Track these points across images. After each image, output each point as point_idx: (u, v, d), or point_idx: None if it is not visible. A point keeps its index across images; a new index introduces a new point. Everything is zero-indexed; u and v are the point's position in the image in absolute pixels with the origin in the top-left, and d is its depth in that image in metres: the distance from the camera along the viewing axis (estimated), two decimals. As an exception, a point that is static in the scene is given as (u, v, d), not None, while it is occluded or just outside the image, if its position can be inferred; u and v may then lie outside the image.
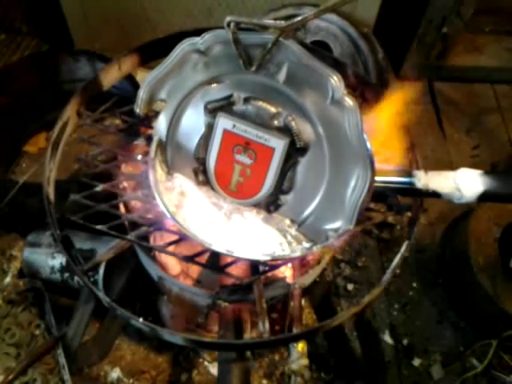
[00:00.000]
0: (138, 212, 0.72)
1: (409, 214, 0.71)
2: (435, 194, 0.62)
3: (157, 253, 0.83)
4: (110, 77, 0.82)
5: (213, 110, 0.63)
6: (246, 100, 0.61)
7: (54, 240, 0.67)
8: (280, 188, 0.64)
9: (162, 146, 0.68)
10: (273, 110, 0.60)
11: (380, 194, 0.65)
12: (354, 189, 0.57)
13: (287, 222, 0.65)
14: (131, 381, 1.22)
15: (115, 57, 0.81)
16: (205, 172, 0.68)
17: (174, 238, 0.67)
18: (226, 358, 0.76)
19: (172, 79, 0.63)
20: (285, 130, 0.59)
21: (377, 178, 0.58)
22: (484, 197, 0.61)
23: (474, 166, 0.62)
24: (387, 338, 1.31)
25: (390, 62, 1.78)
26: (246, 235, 0.65)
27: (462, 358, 1.28)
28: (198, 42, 0.59)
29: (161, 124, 0.67)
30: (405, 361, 1.28)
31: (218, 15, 1.62)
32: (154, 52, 0.82)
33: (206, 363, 1.25)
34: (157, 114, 0.80)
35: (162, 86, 0.64)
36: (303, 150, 0.60)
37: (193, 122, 0.66)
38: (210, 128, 0.64)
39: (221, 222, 0.66)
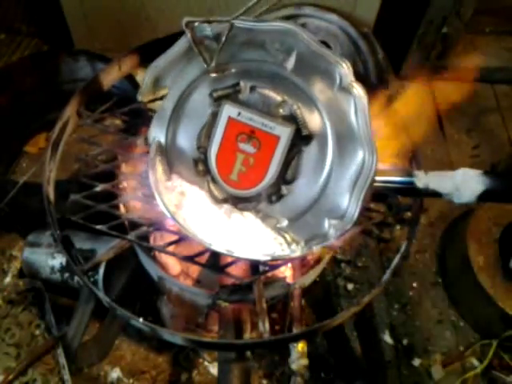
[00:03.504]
0: (138, 212, 0.72)
1: (409, 213, 0.71)
2: (435, 194, 0.62)
3: (157, 253, 0.83)
4: (110, 77, 0.82)
5: (218, 98, 0.63)
6: (252, 88, 0.61)
7: (54, 240, 0.67)
8: (283, 177, 0.63)
9: (161, 146, 0.68)
10: (279, 98, 0.60)
11: (380, 194, 0.65)
12: (358, 178, 0.57)
13: (286, 221, 0.65)
14: (131, 381, 1.22)
15: (115, 57, 0.82)
16: (205, 162, 0.67)
17: (174, 238, 0.67)
18: (226, 358, 0.76)
19: (178, 66, 0.63)
20: (290, 119, 0.60)
21: (377, 178, 0.58)
22: (484, 197, 0.61)
23: (474, 165, 0.62)
24: (387, 337, 1.30)
25: (389, 61, 1.78)
26: (245, 235, 0.65)
27: (462, 358, 1.28)
28: (206, 29, 0.59)
29: (165, 109, 0.66)
30: (405, 361, 1.28)
31: (218, 15, 1.62)
32: (154, 52, 0.82)
33: (206, 363, 1.25)
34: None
35: (167, 72, 0.64)
36: (308, 139, 0.60)
37: (197, 109, 0.65)
38: (213, 116, 0.64)
39: (221, 221, 0.66)
